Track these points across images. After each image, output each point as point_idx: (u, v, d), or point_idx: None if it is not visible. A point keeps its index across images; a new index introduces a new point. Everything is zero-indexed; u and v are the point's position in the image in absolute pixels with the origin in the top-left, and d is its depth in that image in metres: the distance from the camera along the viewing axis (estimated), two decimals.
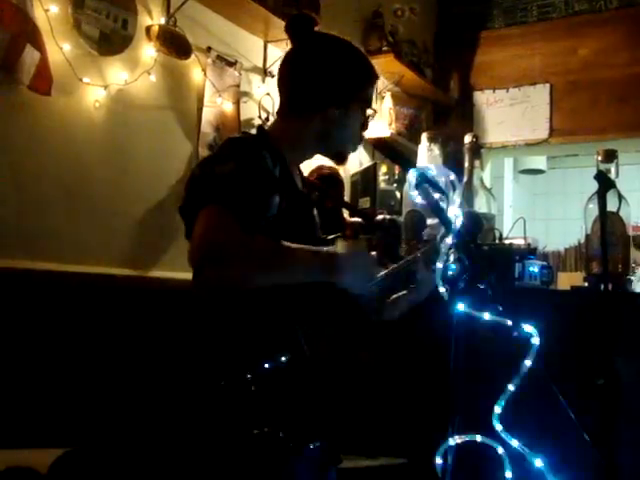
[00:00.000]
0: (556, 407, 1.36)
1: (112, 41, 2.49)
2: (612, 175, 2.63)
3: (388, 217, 3.37)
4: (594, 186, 2.21)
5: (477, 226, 2.68)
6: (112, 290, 2.38)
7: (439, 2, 4.82)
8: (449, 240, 1.42)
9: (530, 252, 2.83)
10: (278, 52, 3.12)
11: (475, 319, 1.39)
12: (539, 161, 5.65)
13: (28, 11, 2.18)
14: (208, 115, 2.93)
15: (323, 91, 1.57)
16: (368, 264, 1.53)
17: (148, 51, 2.64)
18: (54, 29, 2.27)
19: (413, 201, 1.62)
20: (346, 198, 3.62)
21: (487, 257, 2.72)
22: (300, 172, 1.68)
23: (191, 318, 1.49)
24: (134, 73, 2.58)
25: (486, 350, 2.17)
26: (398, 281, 1.68)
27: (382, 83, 4.00)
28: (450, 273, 1.43)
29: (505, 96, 4.54)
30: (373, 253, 1.57)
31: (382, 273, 1.66)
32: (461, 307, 1.38)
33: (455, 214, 1.43)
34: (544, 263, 2.92)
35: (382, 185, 3.67)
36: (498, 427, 1.39)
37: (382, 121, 3.91)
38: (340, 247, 1.63)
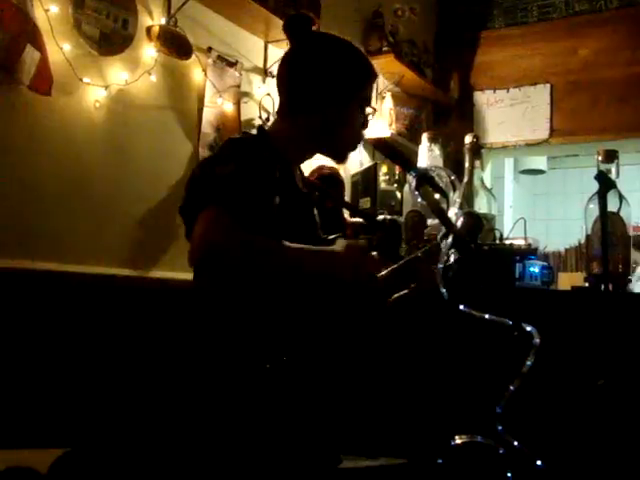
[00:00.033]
0: (556, 407, 1.36)
1: (112, 41, 2.49)
2: (612, 175, 2.63)
3: (389, 217, 3.38)
4: (594, 186, 2.22)
5: (477, 226, 2.68)
6: (112, 290, 2.38)
7: (439, 2, 4.82)
8: (449, 240, 1.42)
9: (530, 252, 2.83)
10: (279, 52, 3.12)
11: (476, 319, 1.39)
12: (539, 161, 5.65)
13: (28, 11, 2.18)
14: (208, 115, 2.93)
15: (322, 90, 1.58)
16: (368, 260, 1.53)
17: (148, 51, 2.64)
18: (54, 29, 2.27)
19: (414, 201, 1.62)
20: (346, 198, 3.62)
21: (487, 257, 2.72)
22: (301, 172, 1.68)
23: (191, 318, 1.49)
24: (134, 73, 2.58)
25: (486, 350, 2.17)
26: (399, 280, 1.68)
27: (382, 83, 4.01)
28: (450, 273, 1.43)
29: (505, 96, 4.54)
30: (374, 253, 1.57)
31: (383, 272, 1.67)
32: (461, 307, 1.38)
33: (455, 214, 1.43)
34: (544, 263, 2.92)
35: (382, 185, 3.67)
36: (499, 427, 1.39)
37: (382, 121, 3.90)
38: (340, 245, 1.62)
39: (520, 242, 2.95)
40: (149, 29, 2.64)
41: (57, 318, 2.20)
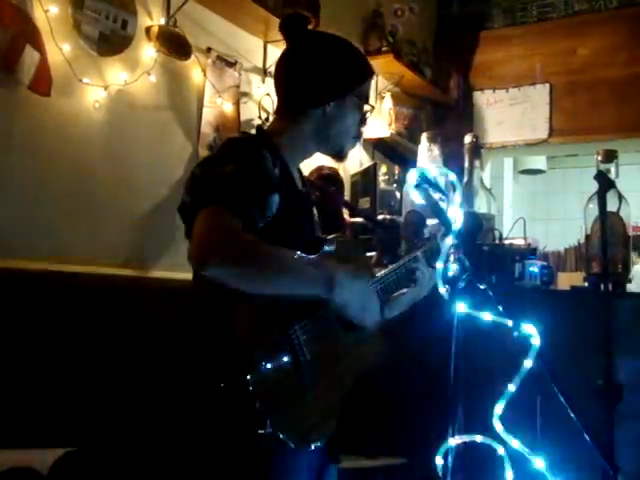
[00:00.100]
0: (556, 407, 1.36)
1: (112, 42, 2.49)
2: (612, 175, 2.63)
3: (388, 217, 3.38)
4: (594, 186, 2.22)
5: (477, 226, 2.68)
6: (112, 290, 2.38)
7: (439, 2, 4.82)
8: (449, 240, 1.42)
9: (530, 252, 2.84)
10: (278, 52, 3.08)
11: (475, 319, 1.39)
12: (539, 161, 5.65)
13: (28, 11, 2.18)
14: (208, 115, 2.93)
15: (319, 88, 1.58)
16: (368, 293, 1.53)
17: (148, 52, 2.64)
18: (54, 29, 2.27)
19: (413, 201, 1.62)
20: (346, 198, 3.62)
21: (487, 257, 2.72)
22: (300, 172, 1.68)
23: (191, 318, 1.49)
24: (134, 74, 2.58)
25: (486, 350, 2.17)
26: (398, 279, 1.68)
27: (382, 83, 4.01)
28: (450, 273, 1.43)
29: (505, 96, 4.54)
30: (372, 253, 1.57)
31: (382, 272, 1.67)
32: (461, 307, 1.38)
33: (455, 214, 1.43)
34: (544, 263, 2.93)
35: (382, 185, 3.67)
36: (498, 427, 1.39)
37: (382, 121, 3.91)
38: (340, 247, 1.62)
39: (520, 242, 2.95)
40: (148, 29, 2.64)
41: (57, 318, 2.20)
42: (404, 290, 1.71)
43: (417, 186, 1.47)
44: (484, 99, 4.61)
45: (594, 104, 4.26)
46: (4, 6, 2.09)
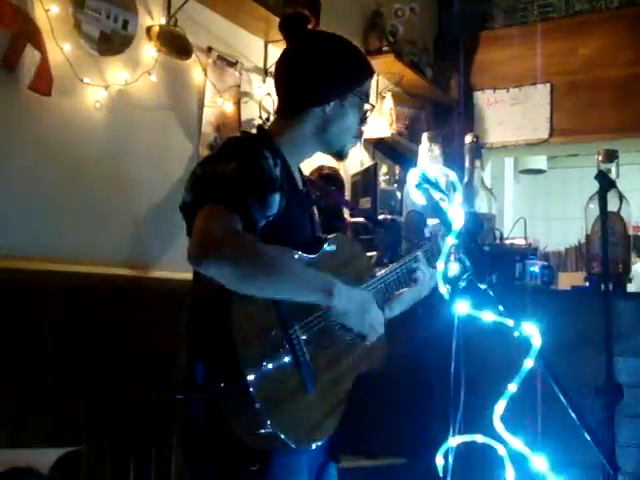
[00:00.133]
0: (557, 407, 1.36)
1: (112, 41, 2.49)
2: (613, 175, 2.63)
3: (389, 217, 3.39)
4: (595, 186, 2.22)
5: (478, 226, 2.68)
6: (112, 290, 2.38)
7: (439, 2, 4.82)
8: (450, 240, 1.42)
9: (531, 252, 2.84)
10: (279, 52, 3.08)
11: (476, 319, 1.39)
12: (539, 161, 5.65)
13: (28, 11, 2.18)
14: (209, 115, 2.93)
15: (319, 87, 1.58)
16: (369, 303, 1.52)
17: (149, 51, 2.64)
18: (54, 29, 2.27)
19: (413, 201, 1.62)
20: (347, 198, 3.62)
21: (488, 257, 2.72)
22: (301, 171, 1.68)
23: (191, 318, 1.49)
24: (135, 73, 2.57)
25: (487, 350, 2.17)
26: (399, 279, 1.68)
27: (382, 83, 4.01)
28: (451, 273, 1.43)
29: (505, 96, 4.54)
30: (373, 253, 1.57)
31: (383, 271, 1.67)
32: (462, 307, 1.38)
33: (456, 214, 1.43)
34: (545, 263, 2.93)
35: (383, 185, 3.67)
36: (499, 427, 1.39)
37: (383, 121, 3.91)
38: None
39: (520, 242, 2.96)
40: (149, 29, 2.63)
41: (57, 318, 2.20)
42: (404, 290, 1.71)
43: (418, 186, 1.47)
44: (485, 99, 4.61)
45: (595, 104, 4.26)
46: (4, 6, 2.09)
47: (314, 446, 1.45)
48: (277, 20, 2.94)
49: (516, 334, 1.36)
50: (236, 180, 1.37)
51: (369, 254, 2.32)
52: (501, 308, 1.38)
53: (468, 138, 3.29)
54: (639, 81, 4.15)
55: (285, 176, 1.51)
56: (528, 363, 1.35)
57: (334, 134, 1.62)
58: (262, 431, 1.34)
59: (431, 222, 2.81)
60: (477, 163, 3.23)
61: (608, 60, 4.26)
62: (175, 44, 2.68)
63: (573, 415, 1.34)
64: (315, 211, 1.71)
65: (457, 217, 1.42)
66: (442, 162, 3.58)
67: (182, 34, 2.70)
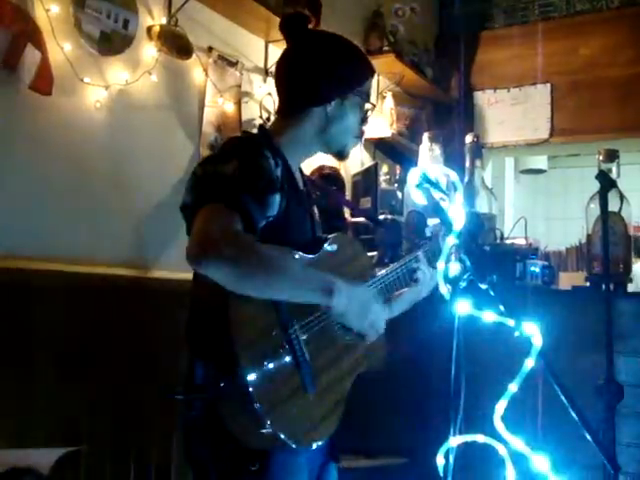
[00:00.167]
0: (557, 407, 1.36)
1: (113, 41, 2.49)
2: (613, 175, 2.63)
3: (389, 217, 3.38)
4: (595, 186, 2.22)
5: (478, 226, 2.68)
6: (112, 290, 2.38)
7: (440, 2, 4.82)
8: (451, 240, 1.42)
9: (531, 252, 2.84)
10: (279, 52, 3.10)
11: (477, 319, 1.39)
12: (540, 161, 5.65)
13: (29, 11, 2.18)
14: (209, 115, 2.93)
15: (320, 87, 1.57)
16: (370, 303, 1.52)
17: (149, 51, 2.63)
18: (55, 29, 2.27)
19: (414, 201, 1.62)
20: (347, 198, 3.62)
21: (488, 257, 2.72)
22: (301, 171, 1.68)
23: (191, 317, 1.48)
24: (135, 73, 2.57)
25: (488, 350, 2.17)
26: (399, 279, 1.68)
27: (383, 83, 4.01)
28: (451, 273, 1.43)
29: (506, 96, 4.54)
30: (374, 253, 1.57)
31: (383, 271, 1.67)
32: (463, 307, 1.38)
33: (456, 214, 1.42)
34: (545, 263, 2.93)
35: (383, 185, 3.67)
36: (500, 427, 1.39)
37: (383, 121, 3.90)
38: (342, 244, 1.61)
39: (521, 242, 2.95)
40: (150, 29, 2.63)
41: (57, 318, 2.20)
42: (405, 290, 1.71)
43: (418, 186, 1.47)
44: (485, 99, 4.61)
45: (595, 104, 4.26)
46: (5, 5, 2.08)
47: (314, 446, 1.44)
48: (278, 20, 2.94)
49: (517, 334, 1.36)
50: (236, 180, 1.37)
51: (370, 254, 2.32)
52: (502, 308, 1.38)
53: (468, 138, 3.29)
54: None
55: (286, 176, 1.51)
56: (529, 363, 1.35)
57: (335, 134, 1.61)
58: (262, 431, 1.34)
59: (432, 222, 2.81)
60: (477, 163, 3.23)
61: (609, 60, 4.25)
62: (176, 44, 2.67)
63: (574, 415, 1.34)
64: (316, 211, 1.70)
65: (458, 217, 1.42)
66: (442, 162, 3.58)
67: (183, 34, 2.70)
